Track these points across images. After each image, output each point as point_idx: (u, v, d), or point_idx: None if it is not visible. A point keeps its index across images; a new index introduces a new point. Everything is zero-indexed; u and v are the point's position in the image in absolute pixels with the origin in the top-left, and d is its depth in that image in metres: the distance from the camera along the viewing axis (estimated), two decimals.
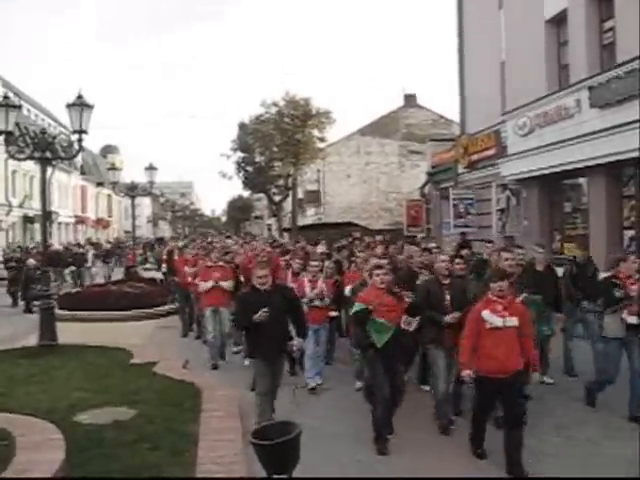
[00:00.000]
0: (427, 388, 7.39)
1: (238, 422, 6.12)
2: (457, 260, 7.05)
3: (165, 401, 6.76)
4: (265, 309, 5.75)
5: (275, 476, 4.18)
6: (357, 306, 6.01)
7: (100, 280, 22.60)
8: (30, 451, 4.86)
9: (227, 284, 9.41)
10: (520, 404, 5.47)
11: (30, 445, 4.99)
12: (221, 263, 9.78)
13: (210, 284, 9.38)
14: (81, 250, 24.70)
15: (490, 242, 12.63)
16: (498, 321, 5.29)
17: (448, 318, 6.12)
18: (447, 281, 6.42)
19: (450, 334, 6.06)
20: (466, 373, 5.40)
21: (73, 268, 22.56)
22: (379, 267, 6.18)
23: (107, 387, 7.37)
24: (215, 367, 9.16)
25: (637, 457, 5.18)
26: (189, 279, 11.27)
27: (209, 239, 17.36)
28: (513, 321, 5.30)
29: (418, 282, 7.57)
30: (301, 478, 4.40)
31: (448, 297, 6.28)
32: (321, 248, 12.96)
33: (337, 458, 5.55)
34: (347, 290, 8.17)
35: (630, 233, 12.69)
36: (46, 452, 4.85)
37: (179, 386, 7.44)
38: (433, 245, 11.35)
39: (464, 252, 9.87)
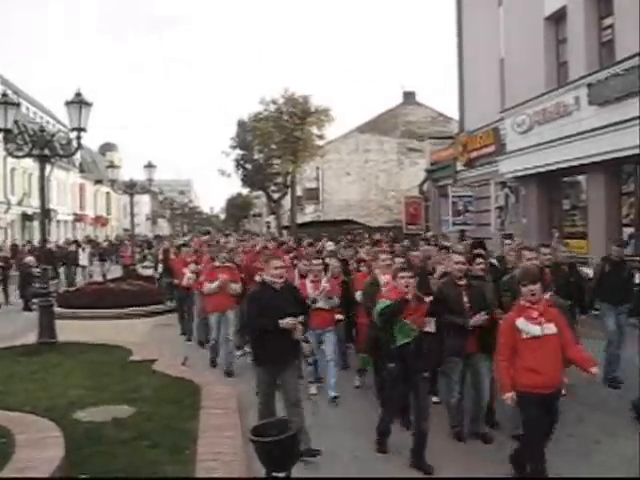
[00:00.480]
0: (436, 399, 6.92)
1: (237, 419, 6.13)
2: (478, 260, 6.42)
3: (164, 398, 6.75)
4: (291, 318, 5.30)
5: (274, 474, 4.18)
6: (383, 303, 5.49)
7: (98, 278, 22.58)
8: (29, 448, 4.85)
9: (235, 287, 9.01)
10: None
11: (29, 442, 4.98)
12: (228, 264, 9.37)
13: (216, 284, 8.94)
14: (72, 248, 24.53)
15: (509, 237, 10.94)
16: (536, 330, 4.64)
17: (474, 320, 5.67)
18: (463, 282, 5.96)
19: (472, 341, 5.76)
20: (507, 396, 4.68)
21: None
22: (404, 270, 5.62)
23: (106, 385, 7.36)
24: (214, 364, 9.14)
25: (637, 456, 5.18)
26: (185, 282, 10.90)
27: (212, 235, 17.16)
28: (551, 328, 4.67)
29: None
30: (300, 478, 4.39)
31: (466, 299, 5.85)
32: (330, 245, 12.66)
33: (336, 454, 5.54)
34: (358, 295, 7.60)
35: (629, 230, 12.72)
36: (45, 450, 4.83)
37: (178, 383, 7.44)
38: (448, 244, 10.34)
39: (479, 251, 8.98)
